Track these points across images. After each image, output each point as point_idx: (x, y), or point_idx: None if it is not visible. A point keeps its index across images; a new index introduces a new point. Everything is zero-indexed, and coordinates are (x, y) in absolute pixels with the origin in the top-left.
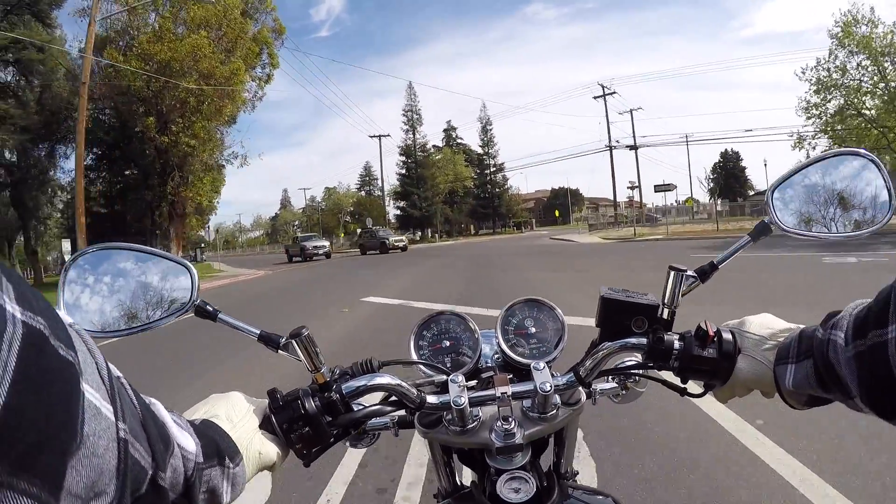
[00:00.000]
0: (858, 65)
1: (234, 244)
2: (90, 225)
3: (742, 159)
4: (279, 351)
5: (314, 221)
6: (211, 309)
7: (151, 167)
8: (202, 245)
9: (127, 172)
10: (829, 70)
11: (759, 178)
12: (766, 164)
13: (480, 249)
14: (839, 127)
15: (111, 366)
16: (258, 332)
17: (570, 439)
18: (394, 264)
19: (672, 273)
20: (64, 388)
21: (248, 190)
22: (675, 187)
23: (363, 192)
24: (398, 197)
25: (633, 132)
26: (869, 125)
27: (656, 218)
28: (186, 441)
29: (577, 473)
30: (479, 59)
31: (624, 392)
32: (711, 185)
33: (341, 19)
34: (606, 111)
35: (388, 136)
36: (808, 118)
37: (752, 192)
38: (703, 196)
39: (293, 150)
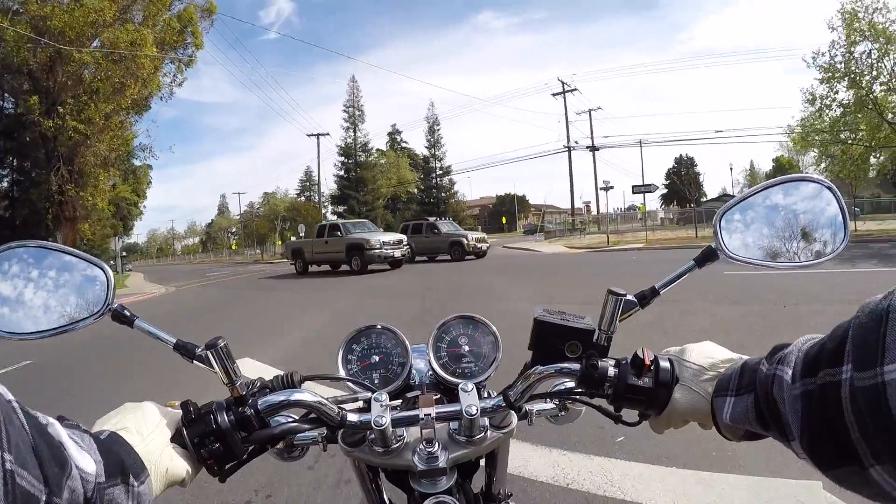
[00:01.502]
0: (869, 53)
1: (168, 252)
2: None
3: (697, 165)
4: (194, 361)
5: (251, 228)
6: (128, 314)
7: (36, 160)
8: (123, 254)
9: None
10: (835, 57)
11: (724, 182)
12: (731, 169)
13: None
14: (858, 117)
15: (2, 390)
16: (174, 340)
17: (502, 461)
18: (318, 287)
19: (610, 297)
20: None
21: (189, 196)
22: (657, 187)
23: (303, 198)
24: (336, 201)
25: (592, 132)
26: (881, 118)
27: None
28: (86, 461)
29: (511, 495)
30: (427, 65)
31: (563, 413)
32: (664, 191)
33: (290, 22)
34: (566, 108)
35: (328, 135)
36: (818, 110)
37: (704, 199)
38: (654, 202)
39: (237, 154)
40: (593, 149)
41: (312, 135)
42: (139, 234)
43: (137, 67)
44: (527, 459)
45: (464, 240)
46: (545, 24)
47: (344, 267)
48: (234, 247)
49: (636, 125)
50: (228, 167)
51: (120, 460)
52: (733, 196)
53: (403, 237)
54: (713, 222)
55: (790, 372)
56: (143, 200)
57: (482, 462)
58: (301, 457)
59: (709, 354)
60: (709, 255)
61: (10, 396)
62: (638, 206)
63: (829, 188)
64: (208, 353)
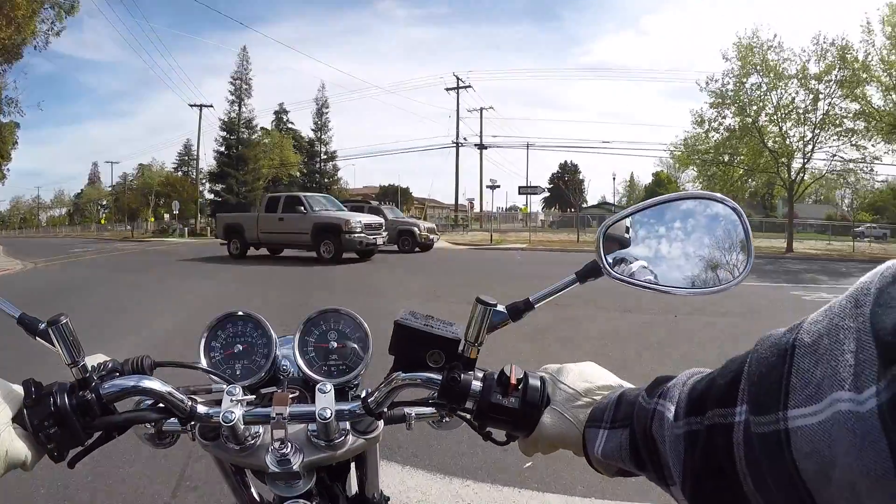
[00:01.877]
0: (759, 86)
1: (33, 223)
2: None
3: (580, 172)
4: (36, 337)
5: (123, 202)
6: None
7: None
8: None
9: None
10: (727, 85)
11: (605, 190)
12: (614, 178)
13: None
14: (741, 142)
15: None
16: (18, 313)
17: (372, 465)
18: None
19: (479, 306)
20: None
21: (58, 162)
22: (543, 190)
23: (180, 173)
24: (214, 178)
25: (481, 130)
26: (763, 145)
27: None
28: None
29: (389, 499)
30: (323, 48)
31: (447, 420)
32: (547, 194)
33: None
34: (458, 104)
35: (211, 106)
36: (705, 132)
37: (585, 205)
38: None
39: (113, 119)
40: (481, 146)
41: (195, 105)
42: (1, 200)
43: (12, 7)
44: (425, 492)
45: (415, 229)
46: (446, 20)
47: (298, 253)
48: (103, 221)
49: (525, 129)
50: (103, 133)
51: None
52: (613, 205)
53: (382, 220)
54: (597, 235)
55: (673, 409)
56: (7, 162)
57: (353, 465)
58: (172, 444)
59: (587, 378)
60: (591, 271)
61: None
62: (520, 207)
63: (736, 211)
64: (49, 329)
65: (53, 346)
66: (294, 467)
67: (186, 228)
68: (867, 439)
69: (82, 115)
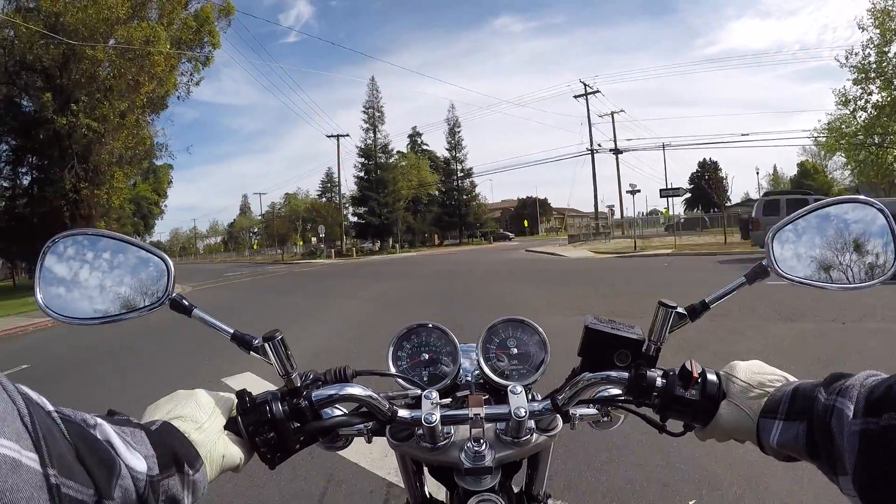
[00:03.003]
0: None
1: (191, 251)
2: None
3: (721, 169)
4: (251, 353)
5: (272, 229)
6: (187, 304)
7: (52, 158)
8: None
9: (31, 165)
10: (868, 57)
11: (748, 186)
12: (757, 172)
13: (448, 265)
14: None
15: (42, 402)
16: (232, 331)
17: (544, 463)
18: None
19: (661, 309)
20: None
21: (210, 196)
22: (685, 191)
23: (324, 199)
24: (356, 202)
25: (615, 135)
26: None
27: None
28: (136, 461)
29: (550, 496)
30: (446, 70)
31: (605, 419)
32: (688, 195)
33: (309, 26)
34: (588, 110)
35: (348, 136)
36: (851, 112)
37: (729, 204)
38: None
39: (256, 155)
40: (616, 151)
41: (332, 136)
42: (161, 232)
43: (152, 65)
44: None
45: None
46: (563, 29)
47: None
48: (255, 247)
49: (658, 129)
50: (249, 168)
51: (173, 452)
52: (756, 201)
53: None
54: (766, 240)
55: (852, 407)
56: (164, 199)
57: (524, 462)
58: (345, 447)
59: (757, 372)
60: (760, 272)
61: (49, 407)
62: (661, 211)
63: (881, 210)
64: (266, 344)
65: (268, 359)
66: (487, 463)
67: (332, 250)
68: None
69: (229, 153)
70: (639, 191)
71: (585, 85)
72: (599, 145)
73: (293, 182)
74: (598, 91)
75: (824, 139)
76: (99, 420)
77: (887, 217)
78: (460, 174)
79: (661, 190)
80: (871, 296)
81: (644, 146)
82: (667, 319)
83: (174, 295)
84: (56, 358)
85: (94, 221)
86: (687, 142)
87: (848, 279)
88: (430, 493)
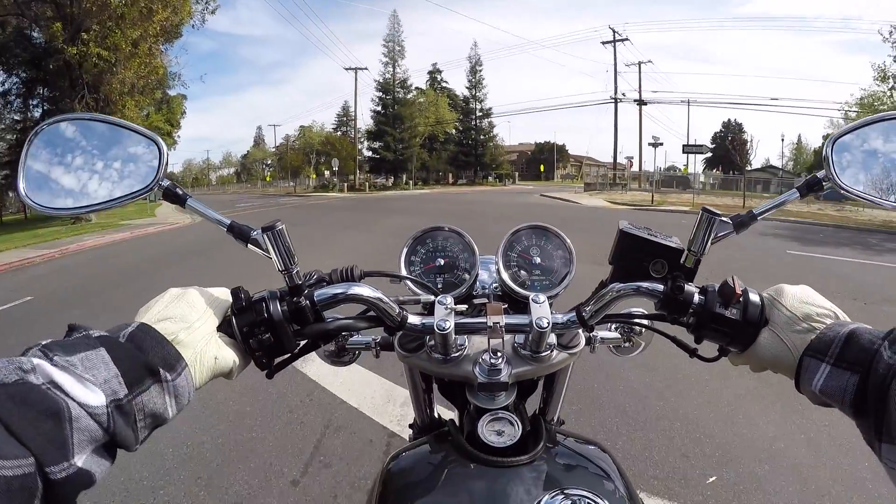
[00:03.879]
0: None
1: (204, 182)
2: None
3: (745, 131)
4: (248, 245)
5: (286, 161)
6: (180, 192)
7: (62, 89)
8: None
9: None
10: None
11: (769, 152)
12: (783, 140)
13: (461, 205)
14: None
15: None
16: (229, 222)
17: (560, 385)
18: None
19: (704, 216)
20: None
21: (225, 127)
22: (708, 150)
23: (339, 133)
24: (371, 137)
25: (640, 86)
26: None
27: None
28: (89, 394)
29: (564, 423)
30: (473, 4)
31: (627, 344)
32: (710, 154)
33: None
34: (615, 58)
35: (366, 69)
36: (889, 89)
37: (749, 168)
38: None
39: (274, 87)
40: (640, 102)
41: (350, 69)
42: (175, 163)
43: None
44: None
45: None
46: None
47: None
48: (268, 178)
49: (684, 85)
50: (265, 99)
51: (144, 360)
52: (779, 168)
53: None
54: (824, 149)
55: None
56: (177, 130)
57: (540, 385)
58: (352, 361)
59: (806, 300)
60: (814, 185)
61: None
62: (680, 168)
63: None
64: (264, 235)
65: (266, 252)
66: (503, 378)
67: (345, 184)
68: None
69: (245, 84)
70: (661, 144)
71: (614, 31)
72: (624, 94)
73: (309, 115)
74: (626, 39)
75: (854, 114)
76: (36, 361)
77: None
78: (479, 114)
79: (683, 146)
80: (884, 277)
81: (669, 100)
82: (710, 228)
83: (165, 183)
84: (60, 289)
85: None
86: (713, 100)
87: None
88: (439, 415)
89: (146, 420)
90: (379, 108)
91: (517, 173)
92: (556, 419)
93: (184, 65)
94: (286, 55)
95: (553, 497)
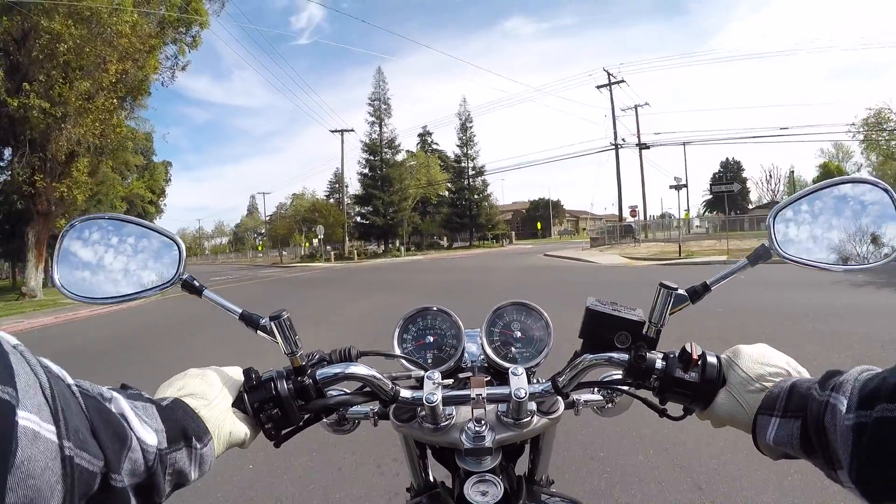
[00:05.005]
0: None
1: (196, 251)
2: None
3: (744, 170)
4: (258, 332)
5: (273, 229)
6: (197, 284)
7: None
8: None
9: None
10: None
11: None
12: (791, 172)
13: (457, 274)
14: None
15: (62, 375)
16: (240, 311)
17: (546, 447)
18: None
19: (662, 290)
20: None
21: (220, 197)
22: (740, 187)
23: (332, 199)
24: (359, 201)
25: (638, 128)
26: None
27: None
28: (146, 433)
29: (553, 482)
30: (458, 70)
31: (609, 406)
32: (709, 197)
33: (321, 28)
34: (612, 101)
35: (352, 130)
36: None
37: (751, 206)
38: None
39: (269, 156)
40: (642, 146)
41: (336, 131)
42: None
43: (118, 36)
44: None
45: None
46: (574, 31)
47: None
48: (260, 248)
49: (681, 125)
50: (261, 169)
51: (182, 426)
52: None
53: None
54: (767, 221)
55: (845, 402)
56: (162, 198)
57: (527, 448)
58: (352, 430)
59: (760, 360)
60: (762, 254)
61: (69, 380)
62: (672, 214)
63: (886, 190)
64: (272, 323)
65: (274, 338)
66: (487, 444)
67: (332, 253)
68: None
69: (241, 154)
70: (685, 185)
71: (609, 74)
72: (624, 140)
73: (300, 182)
74: (622, 81)
75: (864, 137)
76: (115, 394)
77: (891, 195)
78: (472, 172)
79: (711, 185)
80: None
81: (671, 141)
82: (667, 301)
83: (185, 276)
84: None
85: (53, 219)
86: (716, 137)
87: (852, 260)
88: (434, 478)
89: (173, 476)
90: (366, 171)
91: (513, 233)
92: (545, 479)
93: (159, 125)
94: (280, 125)
95: None
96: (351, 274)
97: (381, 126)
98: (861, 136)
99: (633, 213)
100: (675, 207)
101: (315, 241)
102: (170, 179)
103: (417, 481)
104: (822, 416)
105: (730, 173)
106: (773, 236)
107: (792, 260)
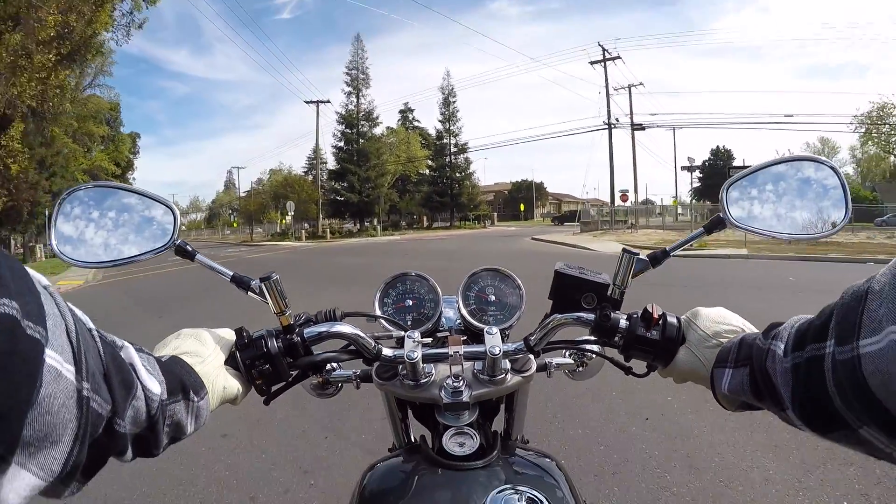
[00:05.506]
0: None
1: None
2: None
3: (734, 158)
4: (248, 293)
5: (244, 205)
6: (190, 249)
7: None
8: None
9: None
10: None
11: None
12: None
13: (438, 259)
14: None
15: (84, 319)
16: (231, 273)
17: (521, 406)
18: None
19: (624, 255)
20: (26, 365)
21: (201, 172)
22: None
23: (310, 176)
24: (334, 177)
25: (631, 109)
26: None
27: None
28: (152, 383)
29: (528, 442)
30: (442, 51)
31: (580, 369)
32: (698, 184)
33: (304, 2)
34: (606, 79)
35: (328, 101)
36: None
37: None
38: (685, 196)
39: (249, 132)
40: (636, 126)
41: (311, 102)
42: None
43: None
44: None
45: None
46: (560, 15)
47: None
48: (234, 224)
49: (674, 108)
50: (241, 144)
51: (181, 380)
52: None
53: None
54: (720, 193)
55: (782, 346)
56: (130, 172)
57: (502, 407)
58: (335, 394)
59: (718, 320)
60: (717, 223)
61: (91, 325)
62: (671, 200)
63: (833, 168)
64: (262, 285)
65: (265, 298)
66: (464, 398)
67: (303, 231)
68: None
69: (221, 129)
70: (698, 167)
71: (604, 49)
72: (618, 120)
73: (277, 157)
74: (618, 57)
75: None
76: (126, 343)
77: (838, 173)
78: (454, 149)
79: (729, 168)
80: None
81: (668, 122)
82: (630, 265)
83: (179, 241)
84: None
85: None
86: (718, 121)
87: (799, 230)
88: (414, 437)
89: (171, 427)
90: (341, 144)
91: (495, 214)
92: (520, 437)
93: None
94: (261, 100)
95: (501, 492)
96: (314, 257)
97: (358, 97)
98: (863, 129)
99: (624, 197)
100: (660, 194)
101: (288, 217)
102: (138, 152)
103: (399, 440)
104: (765, 362)
105: (720, 161)
106: (726, 207)
107: (743, 228)
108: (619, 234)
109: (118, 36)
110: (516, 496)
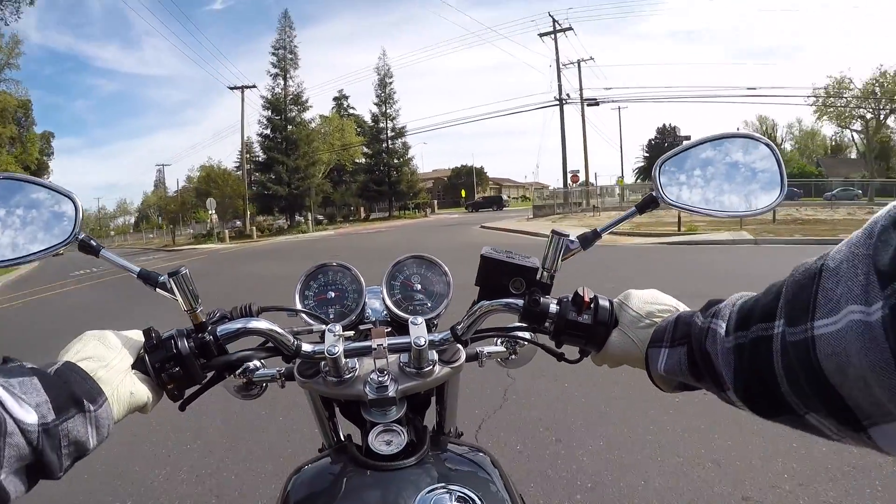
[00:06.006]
0: None
1: (101, 233)
2: None
3: (680, 135)
4: (157, 289)
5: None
6: (94, 244)
7: None
8: None
9: None
10: None
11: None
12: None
13: (375, 255)
14: None
15: None
16: (138, 269)
17: (451, 398)
18: None
19: (554, 237)
20: None
21: (134, 173)
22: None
23: (240, 172)
24: (260, 168)
25: (581, 84)
26: None
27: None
28: (25, 413)
29: (462, 434)
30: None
31: (513, 357)
32: (643, 163)
33: None
34: (557, 52)
35: (254, 87)
36: None
37: None
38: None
39: (181, 128)
40: (587, 102)
41: (236, 88)
42: None
43: None
44: None
45: None
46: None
47: None
48: (162, 227)
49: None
50: (173, 142)
51: (70, 391)
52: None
53: None
54: (653, 171)
55: (724, 325)
56: (45, 175)
57: (433, 401)
58: (259, 395)
59: (650, 301)
60: (650, 202)
61: None
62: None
63: (768, 145)
64: (171, 280)
65: (174, 295)
66: (390, 393)
67: (229, 231)
68: (874, 342)
69: (153, 127)
70: (670, 141)
71: (555, 20)
72: (569, 95)
73: (205, 151)
74: (570, 28)
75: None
76: None
77: (774, 151)
78: (391, 133)
79: (667, 145)
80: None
81: (623, 97)
82: (559, 247)
83: (82, 235)
84: None
85: None
86: (676, 94)
87: (734, 207)
88: (343, 436)
89: (70, 447)
90: (267, 132)
91: (435, 202)
92: (453, 430)
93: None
94: (192, 95)
95: (431, 492)
96: (226, 265)
97: (286, 79)
98: (820, 103)
99: (575, 178)
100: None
101: (213, 216)
102: (52, 153)
103: (328, 440)
104: (704, 341)
105: (667, 140)
106: (659, 185)
107: (676, 206)
108: (581, 217)
109: (6, 13)
110: (447, 495)
